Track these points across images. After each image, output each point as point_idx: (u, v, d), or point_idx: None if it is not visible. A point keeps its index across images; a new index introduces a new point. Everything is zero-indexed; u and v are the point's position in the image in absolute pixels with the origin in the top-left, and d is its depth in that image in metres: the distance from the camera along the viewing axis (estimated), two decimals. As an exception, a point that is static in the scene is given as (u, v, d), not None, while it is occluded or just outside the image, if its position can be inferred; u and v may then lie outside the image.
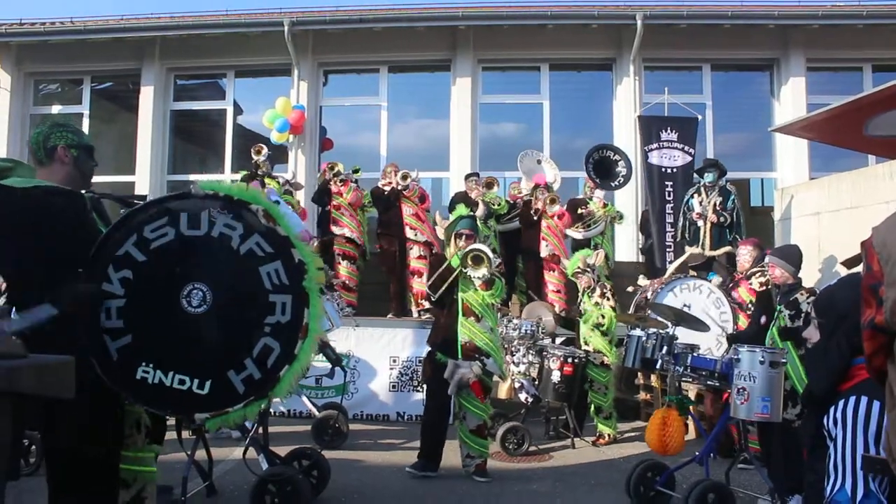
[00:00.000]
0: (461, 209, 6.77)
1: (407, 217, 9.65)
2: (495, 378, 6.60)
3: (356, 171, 10.08)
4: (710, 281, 7.99)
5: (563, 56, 12.48)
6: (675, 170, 10.63)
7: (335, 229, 9.70)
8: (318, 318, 2.96)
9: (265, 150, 10.22)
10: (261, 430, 5.33)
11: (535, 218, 9.73)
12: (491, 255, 5.98)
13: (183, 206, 2.95)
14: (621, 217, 10.49)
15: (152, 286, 2.88)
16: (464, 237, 6.17)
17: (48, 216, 2.80)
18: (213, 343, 2.89)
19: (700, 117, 11.15)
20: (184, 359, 2.87)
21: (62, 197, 2.89)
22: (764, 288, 6.46)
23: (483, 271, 5.90)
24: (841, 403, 2.32)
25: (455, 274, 6.00)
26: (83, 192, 3.09)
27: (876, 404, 2.23)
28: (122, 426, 3.00)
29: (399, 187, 9.62)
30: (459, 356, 5.98)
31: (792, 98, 11.91)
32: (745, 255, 7.23)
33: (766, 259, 6.08)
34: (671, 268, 9.26)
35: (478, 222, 6.73)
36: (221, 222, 2.92)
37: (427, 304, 6.44)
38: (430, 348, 6.36)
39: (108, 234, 2.91)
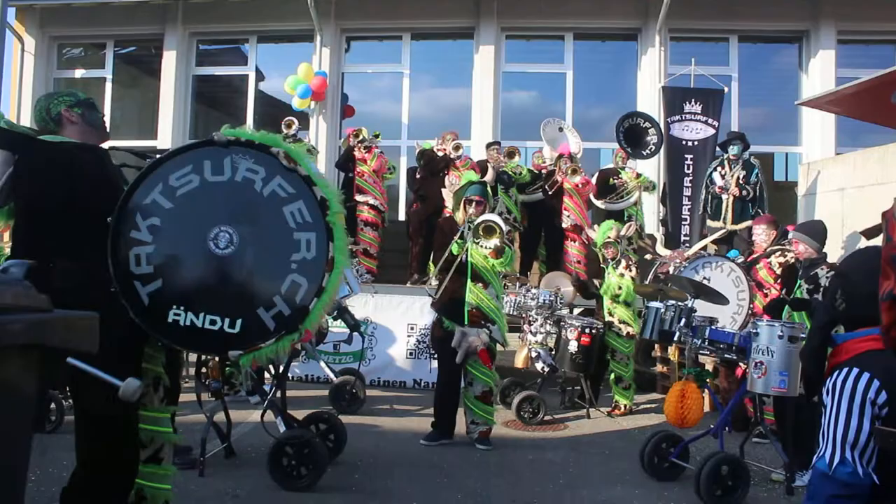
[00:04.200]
0: (470, 175, 6.70)
1: (450, 187, 9.55)
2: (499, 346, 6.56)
3: (376, 136, 10.03)
4: (731, 259, 7.90)
5: (588, 25, 12.31)
6: (695, 143, 10.52)
7: (359, 197, 9.66)
8: (343, 251, 3.01)
9: (296, 125, 10.22)
10: (279, 394, 5.40)
11: (556, 189, 9.64)
12: (503, 224, 5.96)
13: (206, 153, 3.03)
14: (654, 186, 10.40)
15: (180, 232, 2.96)
16: (474, 203, 6.13)
17: (78, 167, 2.95)
18: (241, 283, 2.96)
19: (726, 89, 11.00)
20: (214, 300, 2.94)
21: (88, 152, 3.05)
22: (784, 266, 6.42)
23: (495, 241, 5.88)
24: (835, 374, 2.33)
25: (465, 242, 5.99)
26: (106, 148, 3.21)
27: (865, 376, 2.24)
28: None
29: (452, 155, 9.54)
30: (466, 321, 6.01)
31: (820, 71, 11.69)
32: (760, 234, 7.15)
33: (791, 235, 6.05)
34: (697, 245, 9.15)
35: (488, 188, 6.66)
36: (244, 167, 2.99)
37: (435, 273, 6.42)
38: (436, 314, 6.36)
39: (134, 184, 2.97)
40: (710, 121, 10.54)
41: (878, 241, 2.34)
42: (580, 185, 9.59)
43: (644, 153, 10.30)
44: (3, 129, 2.97)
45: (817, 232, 5.67)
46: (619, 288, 7.38)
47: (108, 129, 3.34)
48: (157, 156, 3.07)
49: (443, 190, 9.42)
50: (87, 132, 3.17)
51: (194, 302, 2.93)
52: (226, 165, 2.98)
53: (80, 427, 2.99)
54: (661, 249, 8.80)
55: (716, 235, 9.18)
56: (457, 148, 9.54)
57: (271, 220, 2.97)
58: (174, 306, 2.91)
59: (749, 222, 8.87)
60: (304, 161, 3.02)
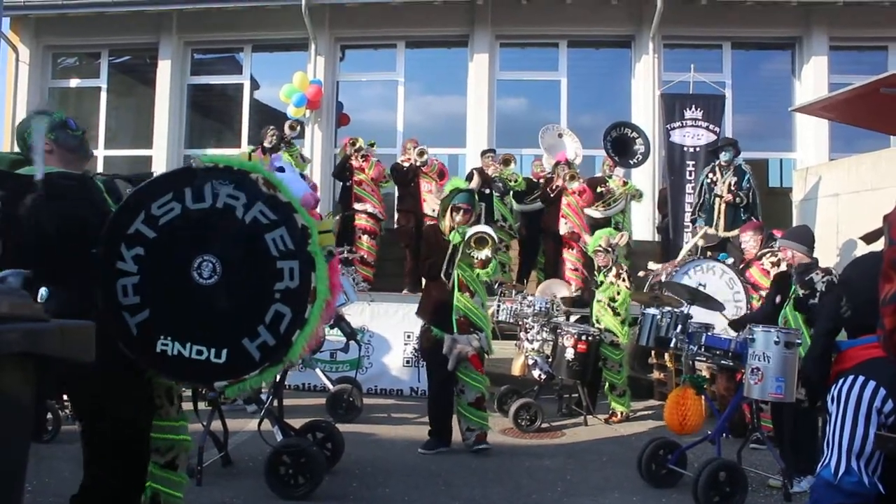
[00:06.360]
0: (456, 181, 6.65)
1: (424, 193, 9.65)
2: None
3: (371, 145, 10.07)
4: (722, 262, 7.94)
5: (582, 33, 12.37)
6: (697, 149, 10.53)
7: (357, 205, 9.73)
8: (324, 281, 2.98)
9: (298, 129, 10.43)
10: (276, 403, 5.39)
11: (554, 196, 9.67)
12: (494, 236, 5.98)
13: (186, 180, 2.98)
14: (641, 195, 10.44)
15: (164, 261, 2.93)
16: (461, 211, 6.09)
17: (62, 199, 2.89)
18: (226, 313, 2.93)
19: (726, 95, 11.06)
20: (199, 330, 2.93)
21: (73, 181, 2.99)
22: (778, 269, 6.43)
23: (486, 252, 5.90)
24: (840, 381, 2.33)
25: (452, 249, 5.98)
26: (94, 174, 3.17)
27: (870, 384, 2.23)
28: (150, 395, 3.13)
29: (417, 163, 9.61)
30: (455, 330, 6.01)
31: (813, 77, 11.75)
32: (748, 240, 7.17)
33: (778, 243, 6.06)
34: (684, 249, 9.20)
35: (475, 196, 6.63)
36: (224, 193, 2.94)
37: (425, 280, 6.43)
38: (422, 322, 6.35)
39: (117, 214, 2.95)
40: (711, 126, 10.56)
41: (877, 246, 2.34)
42: (577, 193, 9.59)
43: (631, 162, 10.37)
44: None
45: (805, 236, 5.68)
46: (618, 293, 7.37)
47: (87, 147, 3.27)
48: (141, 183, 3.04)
49: (430, 197, 9.48)
50: (65, 157, 3.11)
51: (181, 332, 2.91)
52: (206, 192, 2.93)
53: (94, 434, 3.01)
54: (652, 266, 8.81)
55: (696, 237, 9.20)
56: (421, 154, 9.60)
57: (254, 247, 2.93)
58: (162, 336, 2.90)
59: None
60: (284, 187, 2.98)
